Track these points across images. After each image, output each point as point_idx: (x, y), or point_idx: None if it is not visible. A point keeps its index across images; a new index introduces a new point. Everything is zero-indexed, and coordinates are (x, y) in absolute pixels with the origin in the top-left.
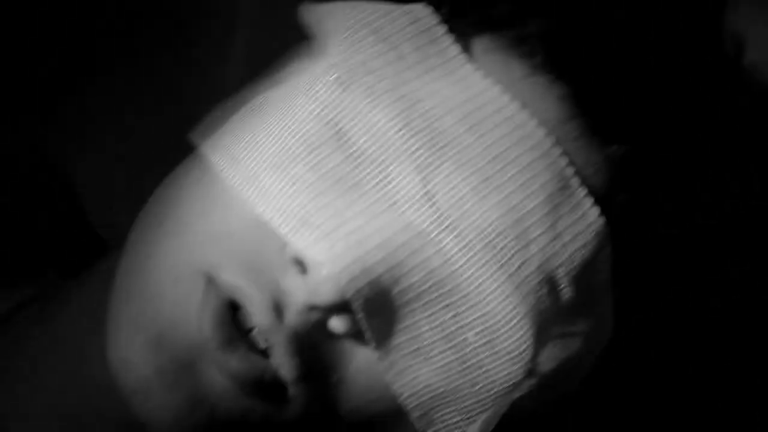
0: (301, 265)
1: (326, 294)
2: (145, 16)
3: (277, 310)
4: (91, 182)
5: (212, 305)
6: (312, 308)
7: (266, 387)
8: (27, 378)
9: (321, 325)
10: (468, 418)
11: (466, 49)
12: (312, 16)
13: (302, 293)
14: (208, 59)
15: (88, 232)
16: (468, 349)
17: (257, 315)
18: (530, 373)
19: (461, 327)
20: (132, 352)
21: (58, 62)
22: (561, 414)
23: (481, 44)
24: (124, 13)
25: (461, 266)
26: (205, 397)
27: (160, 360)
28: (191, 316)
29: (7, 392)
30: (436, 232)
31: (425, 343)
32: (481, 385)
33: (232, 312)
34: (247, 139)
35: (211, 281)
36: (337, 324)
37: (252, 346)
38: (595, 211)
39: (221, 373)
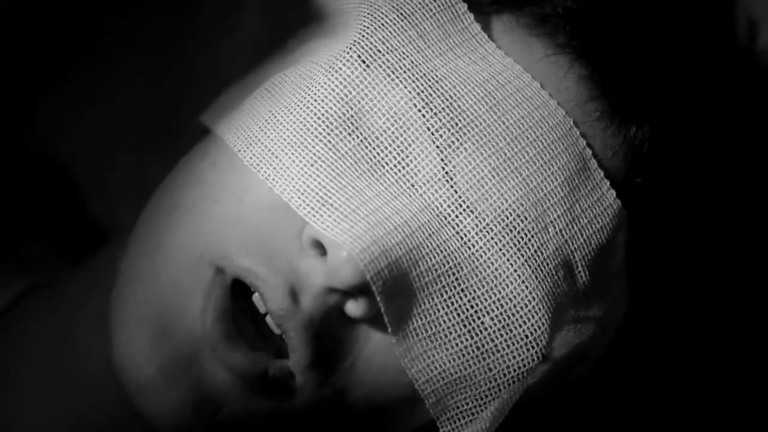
0: (320, 247)
1: (346, 276)
2: None
3: (293, 294)
4: (90, 170)
5: (215, 296)
6: (330, 291)
7: (271, 382)
8: (28, 375)
9: (337, 309)
10: (482, 404)
11: (487, 27)
12: None
13: (320, 275)
14: (213, 30)
15: (87, 221)
16: (484, 334)
17: (273, 300)
18: (544, 357)
19: (478, 311)
20: (136, 349)
21: (53, 44)
22: (572, 409)
23: (501, 23)
24: None
25: (479, 249)
26: (210, 395)
27: (163, 356)
28: (195, 309)
29: (7, 392)
30: (455, 214)
31: (442, 327)
32: (496, 370)
33: (243, 302)
34: (265, 117)
35: (219, 272)
36: (354, 308)
37: (255, 339)
38: (612, 194)
39: (225, 369)
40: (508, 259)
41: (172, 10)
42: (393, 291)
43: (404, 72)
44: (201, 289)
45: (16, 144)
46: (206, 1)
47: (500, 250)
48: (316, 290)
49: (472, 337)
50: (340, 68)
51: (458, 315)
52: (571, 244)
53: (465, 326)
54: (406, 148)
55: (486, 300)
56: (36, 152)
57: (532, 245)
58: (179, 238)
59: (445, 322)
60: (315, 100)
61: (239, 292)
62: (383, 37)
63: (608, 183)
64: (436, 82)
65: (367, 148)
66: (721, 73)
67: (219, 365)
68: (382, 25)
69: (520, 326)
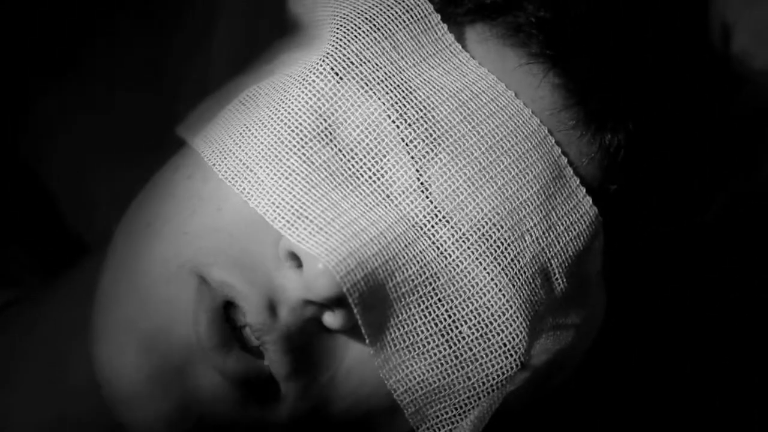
0: (295, 260)
1: (322, 288)
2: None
3: (271, 307)
4: (67, 182)
5: (206, 305)
6: (307, 303)
7: (261, 386)
8: (8, 385)
9: (315, 321)
10: (461, 413)
11: (461, 37)
12: (303, 5)
13: (297, 288)
14: (189, 49)
15: (65, 233)
16: (462, 343)
17: (251, 313)
18: (523, 365)
19: (455, 320)
20: (123, 360)
21: (30, 58)
22: (560, 413)
23: (475, 33)
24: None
25: (455, 258)
26: (196, 402)
27: (152, 364)
28: (185, 317)
29: None
30: (430, 224)
31: (419, 337)
32: (475, 379)
33: (226, 310)
34: (239, 131)
35: (203, 280)
36: (331, 320)
37: (245, 345)
38: (588, 201)
39: (218, 374)
40: (484, 268)
41: (158, 23)
42: (369, 302)
43: (378, 83)
44: (188, 297)
45: (5, 145)
46: (188, 14)
47: (477, 259)
48: (292, 303)
49: (450, 347)
50: (314, 81)
51: (435, 325)
52: (548, 251)
53: (442, 336)
54: (381, 159)
55: (463, 309)
56: (25, 154)
57: (509, 254)
58: (157, 249)
59: (422, 332)
60: (289, 113)
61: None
62: (356, 48)
63: (584, 190)
64: (410, 92)
65: (342, 159)
66: (696, 78)
67: (211, 370)
68: (355, 36)
69: (498, 335)
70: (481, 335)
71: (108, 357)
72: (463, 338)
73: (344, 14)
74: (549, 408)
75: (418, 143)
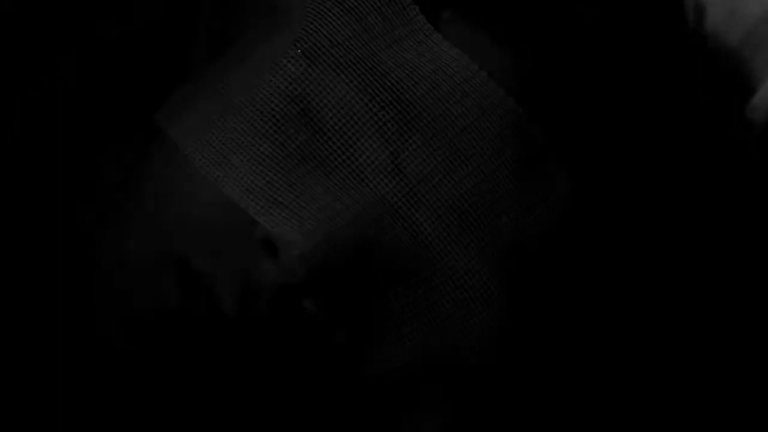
0: (271, 246)
1: (298, 273)
2: None
3: (249, 295)
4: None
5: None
6: (284, 289)
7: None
8: None
9: (295, 307)
10: (449, 395)
11: (433, 19)
12: None
13: (273, 274)
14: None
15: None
16: (441, 324)
17: (228, 303)
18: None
19: (434, 303)
20: None
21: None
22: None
23: (447, 14)
24: None
25: (433, 240)
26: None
27: None
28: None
29: None
30: (406, 207)
31: (399, 320)
32: (455, 357)
33: None
34: (214, 119)
35: (183, 270)
36: (310, 305)
37: None
38: (564, 177)
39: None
40: (461, 250)
41: None
42: (347, 286)
43: (350, 66)
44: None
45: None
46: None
47: (454, 240)
48: (270, 288)
49: (429, 329)
50: (285, 65)
51: (414, 307)
52: (525, 231)
53: (421, 318)
54: (356, 142)
55: (441, 291)
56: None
57: (486, 235)
58: (139, 239)
59: (401, 315)
60: (261, 99)
61: None
62: (328, 32)
63: (561, 168)
64: (383, 75)
65: (315, 144)
66: (673, 57)
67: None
68: (326, 19)
69: (478, 315)
70: (463, 315)
71: None
72: (443, 318)
73: None
74: (549, 407)
75: (392, 125)
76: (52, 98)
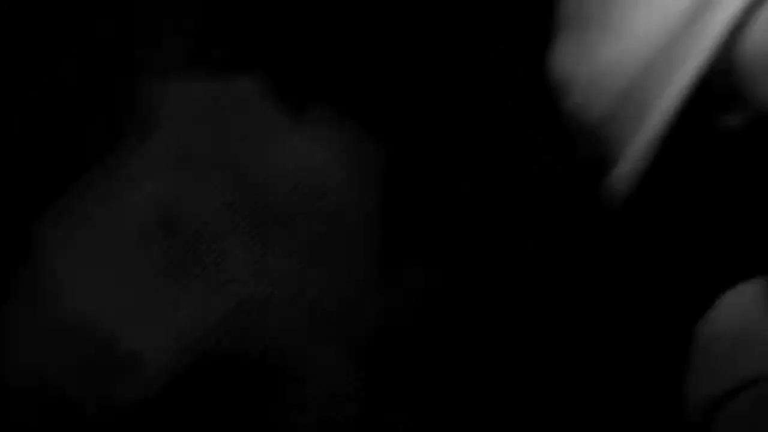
0: (132, 361)
1: (155, 386)
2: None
3: (112, 410)
4: None
5: None
6: (145, 404)
7: None
8: None
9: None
10: None
11: (299, 115)
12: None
13: (136, 389)
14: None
15: None
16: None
17: (90, 420)
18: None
19: (305, 406)
20: None
21: None
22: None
23: (312, 110)
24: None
25: (297, 339)
26: None
27: None
28: None
29: None
30: (269, 309)
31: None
32: None
33: None
34: (80, 233)
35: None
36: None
37: None
38: (419, 265)
39: None
40: (323, 346)
41: None
42: (211, 396)
43: (210, 172)
44: None
45: None
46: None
47: (316, 336)
48: (133, 404)
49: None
50: (146, 175)
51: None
52: (392, 319)
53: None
54: (217, 248)
55: (311, 392)
56: None
57: (349, 330)
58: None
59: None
60: (123, 211)
61: None
62: (189, 138)
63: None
64: (243, 178)
65: (178, 251)
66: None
67: None
68: (189, 125)
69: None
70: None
71: None
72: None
73: (180, 99)
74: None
75: (253, 229)
76: (52, 98)
